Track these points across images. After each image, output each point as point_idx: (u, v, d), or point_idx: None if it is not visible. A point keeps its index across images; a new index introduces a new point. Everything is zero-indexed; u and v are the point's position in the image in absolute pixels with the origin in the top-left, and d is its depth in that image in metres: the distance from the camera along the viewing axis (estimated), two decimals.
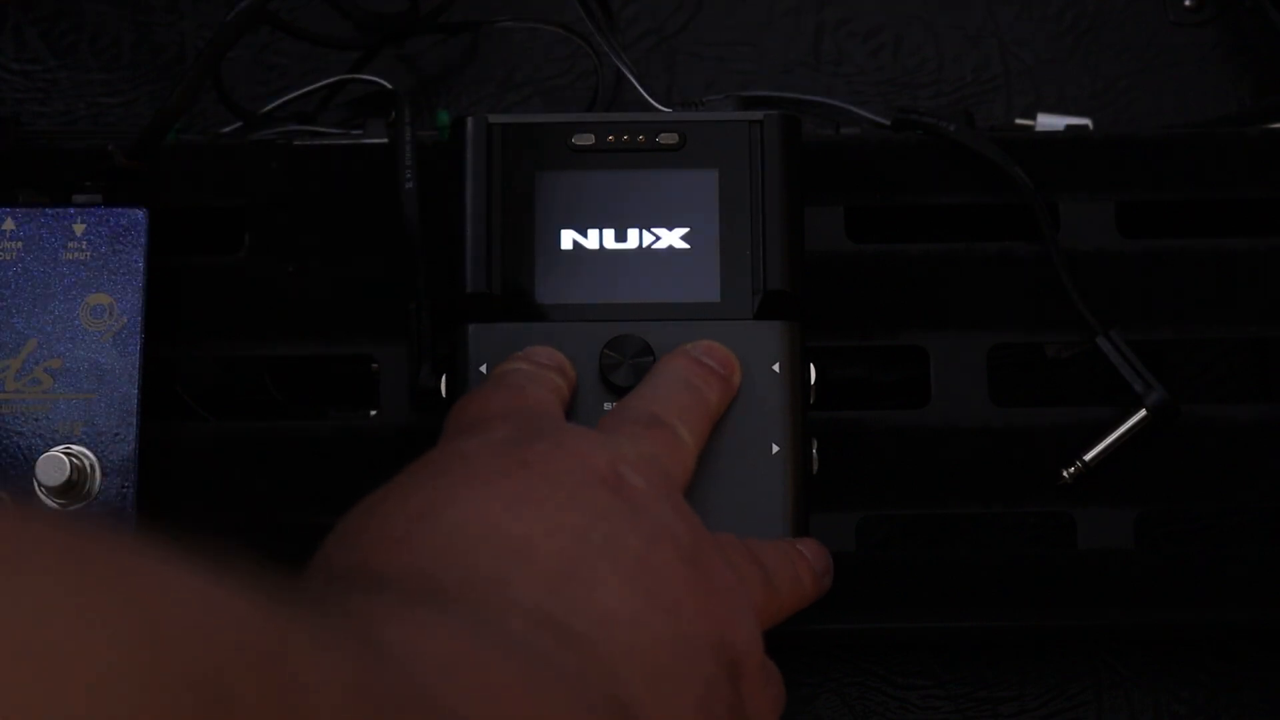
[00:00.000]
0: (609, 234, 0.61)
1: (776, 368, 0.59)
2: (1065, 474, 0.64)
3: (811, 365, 0.60)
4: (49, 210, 0.61)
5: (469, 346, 0.60)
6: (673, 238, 0.61)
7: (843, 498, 0.64)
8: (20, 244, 0.61)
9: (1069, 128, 0.70)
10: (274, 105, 0.73)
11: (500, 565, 0.47)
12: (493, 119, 0.62)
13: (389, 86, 0.72)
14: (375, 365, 0.65)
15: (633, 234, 0.61)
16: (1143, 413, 0.63)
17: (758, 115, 0.62)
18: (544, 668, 0.45)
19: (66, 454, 0.59)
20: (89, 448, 0.60)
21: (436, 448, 0.53)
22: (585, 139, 0.61)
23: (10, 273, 0.61)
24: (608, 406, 0.58)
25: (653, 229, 0.61)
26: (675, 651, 0.47)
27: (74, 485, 0.59)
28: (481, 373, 0.59)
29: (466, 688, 0.41)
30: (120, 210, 0.62)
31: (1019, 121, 0.73)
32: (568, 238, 0.61)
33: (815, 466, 0.60)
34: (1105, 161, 0.67)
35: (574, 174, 0.61)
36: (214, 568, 0.34)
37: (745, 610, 0.51)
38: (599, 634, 0.46)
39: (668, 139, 0.61)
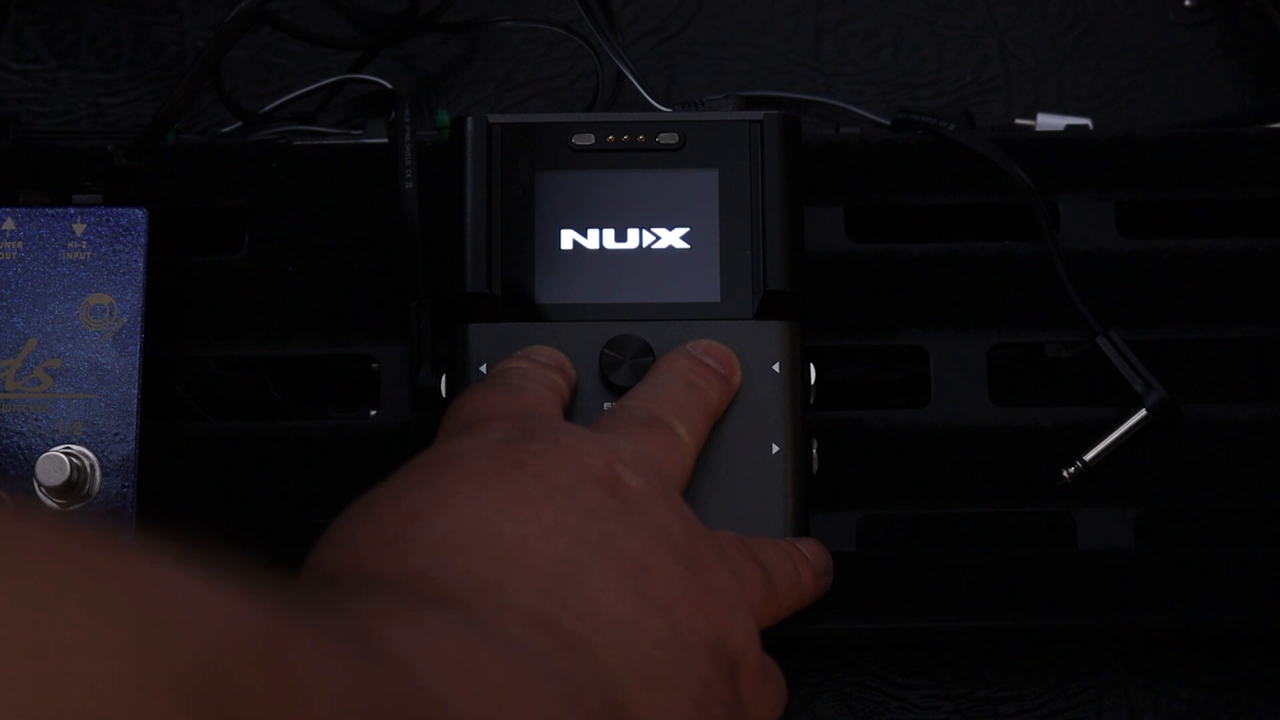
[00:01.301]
0: (609, 234, 0.61)
1: (776, 368, 0.59)
2: (1065, 474, 0.64)
3: (811, 365, 0.60)
4: (49, 210, 0.61)
5: (469, 346, 0.60)
6: (673, 238, 0.61)
7: (843, 498, 0.64)
8: (20, 244, 0.61)
9: (1069, 128, 0.71)
10: (274, 105, 0.73)
11: (496, 567, 0.46)
12: (493, 119, 0.62)
13: (389, 86, 0.72)
14: (375, 365, 0.65)
15: (633, 234, 0.61)
16: (1143, 413, 0.63)
17: (757, 115, 0.62)
18: (541, 670, 0.45)
19: (66, 454, 0.59)
20: (89, 448, 0.60)
21: (431, 447, 0.53)
22: (585, 139, 0.61)
23: (10, 273, 0.61)
24: (607, 406, 0.58)
25: (653, 229, 0.61)
26: (671, 652, 0.47)
27: (74, 485, 0.59)
28: (481, 373, 0.59)
29: (465, 689, 0.41)
30: (120, 210, 0.62)
31: (1019, 121, 0.73)
32: (568, 238, 0.61)
33: (815, 466, 0.60)
34: (1105, 161, 0.67)
35: (574, 174, 0.61)
36: (213, 569, 0.34)
37: (742, 609, 0.50)
38: (595, 635, 0.46)
39: (668, 139, 0.61)
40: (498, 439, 0.51)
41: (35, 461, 0.59)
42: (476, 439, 0.51)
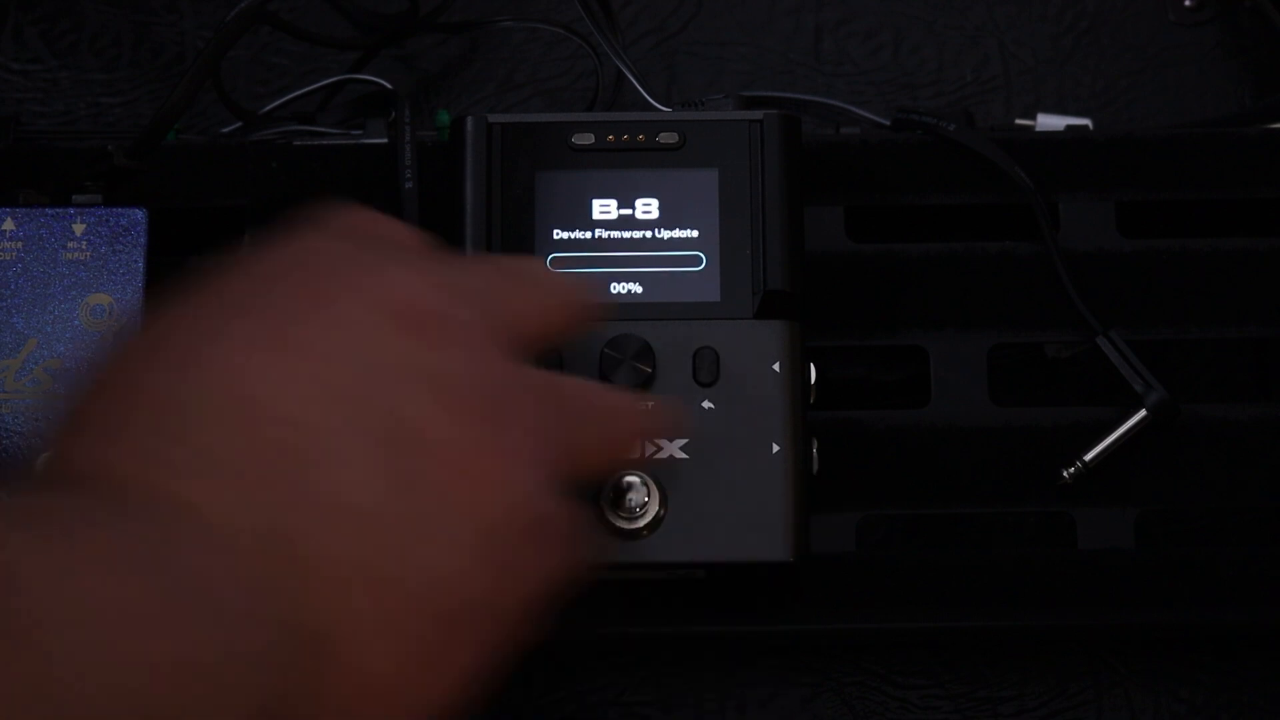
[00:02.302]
0: (609, 234, 0.61)
1: (776, 367, 0.59)
2: (1065, 474, 0.64)
3: (811, 365, 0.60)
4: (49, 210, 0.62)
5: None
6: (673, 237, 0.61)
7: (843, 498, 0.64)
8: (20, 244, 0.61)
9: (1069, 128, 0.71)
10: (274, 105, 0.73)
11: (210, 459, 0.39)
12: (493, 119, 0.62)
13: (389, 86, 0.72)
14: None
15: (632, 234, 0.61)
16: (1143, 413, 0.63)
17: (757, 115, 0.62)
18: (215, 593, 0.37)
19: None
20: None
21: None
22: (585, 139, 0.61)
23: (10, 273, 0.61)
24: None
25: (652, 229, 0.61)
26: (401, 545, 0.39)
27: None
28: None
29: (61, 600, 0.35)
30: (120, 210, 0.62)
31: (1019, 121, 0.73)
32: (567, 237, 0.61)
33: (815, 466, 0.60)
34: (1105, 161, 0.67)
35: (574, 174, 0.61)
36: None
37: (523, 468, 0.42)
38: (316, 536, 0.38)
39: (668, 139, 0.61)
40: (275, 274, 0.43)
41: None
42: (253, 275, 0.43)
